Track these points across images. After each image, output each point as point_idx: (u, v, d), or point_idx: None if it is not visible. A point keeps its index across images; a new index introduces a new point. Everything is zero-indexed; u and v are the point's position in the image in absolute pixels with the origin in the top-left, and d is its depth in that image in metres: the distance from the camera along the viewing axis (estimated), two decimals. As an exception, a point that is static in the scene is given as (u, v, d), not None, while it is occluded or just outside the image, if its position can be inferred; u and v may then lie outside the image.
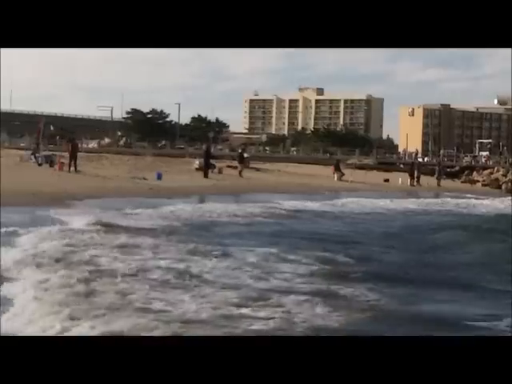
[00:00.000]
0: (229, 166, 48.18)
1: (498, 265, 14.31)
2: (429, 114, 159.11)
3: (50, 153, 42.90)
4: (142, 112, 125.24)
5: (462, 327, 8.55)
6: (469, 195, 41.97)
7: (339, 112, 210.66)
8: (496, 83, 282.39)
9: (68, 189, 26.66)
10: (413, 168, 53.49)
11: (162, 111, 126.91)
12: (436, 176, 55.19)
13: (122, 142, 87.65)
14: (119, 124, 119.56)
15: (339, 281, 11.15)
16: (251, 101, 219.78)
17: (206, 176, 40.59)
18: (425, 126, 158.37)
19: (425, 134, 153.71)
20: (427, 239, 18.92)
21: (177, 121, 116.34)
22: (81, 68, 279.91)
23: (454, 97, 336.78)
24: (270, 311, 8.63)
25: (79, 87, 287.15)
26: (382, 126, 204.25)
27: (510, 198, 41.26)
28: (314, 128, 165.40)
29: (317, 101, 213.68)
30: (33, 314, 7.86)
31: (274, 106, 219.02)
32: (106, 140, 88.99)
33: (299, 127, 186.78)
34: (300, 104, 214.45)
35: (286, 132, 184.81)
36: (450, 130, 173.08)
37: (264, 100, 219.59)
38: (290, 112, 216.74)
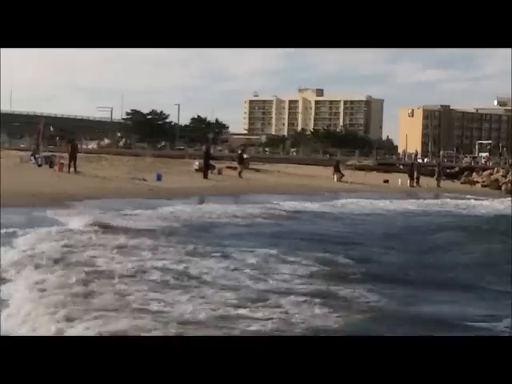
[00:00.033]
0: (228, 167, 48.18)
1: (497, 266, 14.31)
2: (428, 114, 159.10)
3: (50, 154, 42.90)
4: (141, 113, 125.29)
5: (461, 328, 8.55)
6: (468, 196, 41.94)
7: (339, 113, 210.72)
8: (496, 84, 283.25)
9: (68, 190, 26.66)
10: (412, 169, 53.48)
11: (161, 112, 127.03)
12: (436, 177, 55.19)
13: (121, 143, 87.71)
14: (119, 125, 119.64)
15: (339, 282, 11.15)
16: (251, 101, 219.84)
17: (205, 177, 40.59)
18: (424, 126, 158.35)
19: (424, 135, 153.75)
20: (427, 240, 18.92)
21: (176, 122, 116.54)
22: (81, 69, 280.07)
23: (453, 98, 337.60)
24: (269, 312, 8.62)
25: (79, 88, 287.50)
26: (381, 126, 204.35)
27: (509, 198, 41.25)
28: (313, 129, 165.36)
29: (316, 102, 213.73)
30: (28, 315, 7.84)
31: (274, 106, 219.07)
32: (106, 141, 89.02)
33: (299, 128, 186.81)
34: (300, 105, 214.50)
35: (285, 133, 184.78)
36: (449, 130, 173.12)
37: (264, 101, 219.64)
38: (289, 113, 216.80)
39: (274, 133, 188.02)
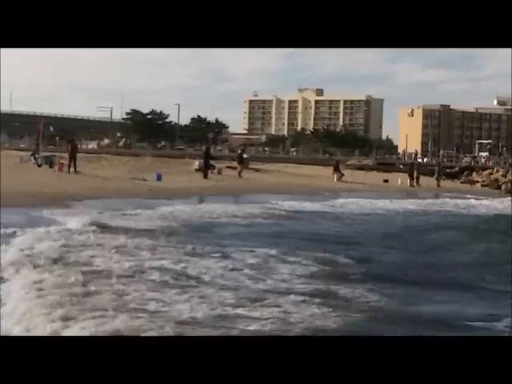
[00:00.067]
0: (228, 167, 48.19)
1: (496, 265, 14.31)
2: (428, 114, 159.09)
3: (50, 154, 42.91)
4: (141, 113, 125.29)
5: (460, 327, 8.55)
6: (468, 196, 41.95)
7: (339, 113, 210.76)
8: (496, 84, 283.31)
9: (68, 190, 26.66)
10: (412, 168, 53.50)
11: (161, 112, 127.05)
12: (435, 176, 55.21)
13: (121, 143, 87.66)
14: (119, 125, 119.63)
15: (339, 281, 11.15)
16: (251, 101, 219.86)
17: (205, 177, 40.60)
18: (424, 126, 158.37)
19: (424, 135, 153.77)
20: (427, 240, 18.91)
21: (176, 121, 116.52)
22: (81, 69, 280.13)
23: (453, 97, 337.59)
24: (268, 312, 8.62)
25: (79, 88, 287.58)
26: (381, 126, 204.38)
27: (509, 198, 41.25)
28: (313, 129, 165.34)
29: (316, 101, 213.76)
30: (23, 315, 7.84)
31: (274, 106, 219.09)
32: (106, 141, 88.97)
33: (299, 128, 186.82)
34: (299, 105, 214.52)
35: (285, 133, 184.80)
36: (449, 130, 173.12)
37: (263, 101, 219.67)
38: (289, 113, 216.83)
39: (273, 133, 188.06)
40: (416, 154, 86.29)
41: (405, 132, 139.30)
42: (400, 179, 51.77)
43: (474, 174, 63.01)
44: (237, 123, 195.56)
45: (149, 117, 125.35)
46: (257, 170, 50.80)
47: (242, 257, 13.16)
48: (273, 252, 13.86)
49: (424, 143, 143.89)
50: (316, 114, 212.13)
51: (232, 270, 11.69)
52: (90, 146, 77.24)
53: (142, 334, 6.96)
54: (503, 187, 55.62)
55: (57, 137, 73.64)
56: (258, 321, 8.14)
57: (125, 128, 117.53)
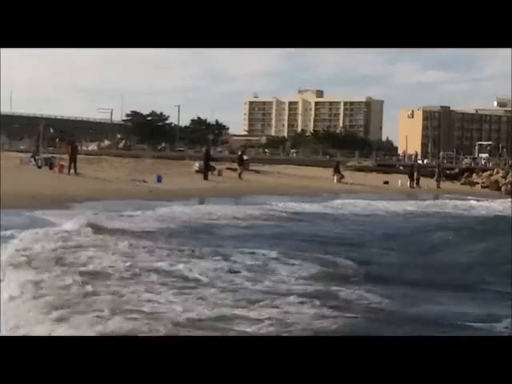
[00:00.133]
0: (228, 169, 48.20)
1: (496, 266, 14.33)
2: (428, 116, 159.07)
3: (50, 155, 42.94)
4: (141, 114, 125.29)
5: (461, 326, 8.56)
6: (468, 197, 41.94)
7: (339, 114, 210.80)
8: (496, 85, 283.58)
9: (68, 191, 26.66)
10: (412, 170, 53.54)
11: (161, 113, 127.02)
12: (435, 178, 55.28)
13: (121, 145, 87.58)
14: (119, 126, 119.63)
15: (339, 282, 11.14)
16: (251, 103, 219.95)
17: (205, 178, 40.61)
18: (424, 128, 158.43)
19: (424, 136, 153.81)
20: (426, 241, 18.90)
21: (176, 123, 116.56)
22: (80, 70, 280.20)
23: (453, 99, 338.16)
24: (267, 313, 8.61)
25: (79, 89, 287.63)
26: (381, 128, 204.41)
27: (509, 199, 41.24)
28: (313, 130, 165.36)
29: (316, 103, 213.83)
30: (15, 317, 7.84)
31: (274, 108, 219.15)
32: (106, 142, 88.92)
33: (299, 129, 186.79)
34: (299, 106, 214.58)
35: (285, 134, 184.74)
36: (449, 132, 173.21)
37: (264, 102, 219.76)
38: (289, 114, 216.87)
39: (273, 134, 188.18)
40: (416, 156, 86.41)
41: (405, 133, 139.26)
42: (400, 181, 51.81)
43: (474, 175, 63.06)
44: (237, 125, 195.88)
45: (149, 118, 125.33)
46: (257, 172, 50.80)
47: (242, 258, 13.15)
48: (273, 253, 13.86)
49: (424, 145, 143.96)
50: (316, 115, 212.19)
51: (231, 271, 11.69)
52: (90, 148, 77.19)
53: (143, 335, 6.97)
54: (503, 188, 55.64)
55: (57, 138, 73.76)
56: (257, 322, 8.14)
57: (125, 129, 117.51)
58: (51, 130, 76.97)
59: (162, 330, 7.38)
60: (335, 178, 49.38)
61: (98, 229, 15.64)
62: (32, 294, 8.88)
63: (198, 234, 17.06)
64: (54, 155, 43.18)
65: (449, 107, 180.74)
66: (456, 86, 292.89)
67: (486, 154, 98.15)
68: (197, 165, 45.69)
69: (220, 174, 44.63)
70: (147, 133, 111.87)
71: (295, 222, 22.07)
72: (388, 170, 64.17)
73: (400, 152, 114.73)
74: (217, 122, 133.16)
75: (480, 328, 8.52)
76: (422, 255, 15.95)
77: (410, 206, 33.13)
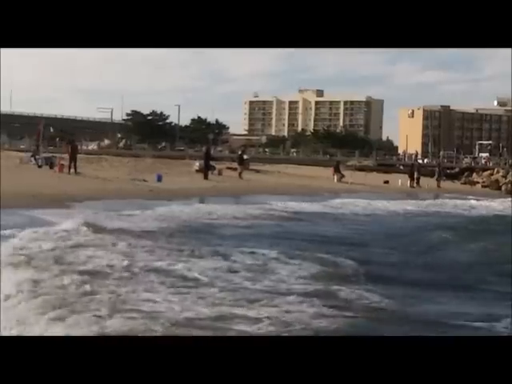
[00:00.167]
0: (228, 168, 48.18)
1: (495, 265, 14.37)
2: (429, 115, 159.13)
3: (50, 155, 42.92)
4: (141, 114, 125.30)
5: (461, 326, 8.56)
6: (469, 197, 41.93)
7: (339, 113, 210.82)
8: (496, 85, 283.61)
9: (68, 191, 26.66)
10: (412, 169, 53.52)
11: (161, 113, 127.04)
12: (436, 177, 55.25)
13: (121, 144, 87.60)
14: (119, 126, 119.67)
15: (338, 282, 11.14)
16: (251, 102, 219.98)
17: (205, 178, 40.60)
18: (424, 127, 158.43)
19: (424, 136, 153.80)
20: (426, 240, 18.91)
21: (177, 122, 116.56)
22: (81, 70, 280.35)
23: (453, 98, 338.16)
24: (267, 312, 8.61)
25: (79, 89, 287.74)
26: (381, 127, 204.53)
27: (509, 199, 41.23)
28: (313, 129, 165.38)
29: (316, 102, 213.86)
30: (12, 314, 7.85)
31: (274, 107, 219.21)
32: (106, 142, 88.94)
33: (299, 129, 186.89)
34: (300, 105, 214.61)
35: (285, 133, 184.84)
36: (449, 131, 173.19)
37: (264, 101, 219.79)
38: (289, 113, 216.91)
39: (274, 133, 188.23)
40: (416, 155, 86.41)
41: (405, 133, 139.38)
42: (400, 180, 51.80)
43: (475, 174, 63.04)
44: (237, 124, 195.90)
45: (149, 118, 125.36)
46: (257, 171, 50.77)
47: (241, 257, 13.15)
48: (273, 253, 13.86)
49: (424, 144, 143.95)
50: (316, 114, 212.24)
51: (231, 271, 11.69)
52: (90, 147, 77.21)
53: (143, 335, 6.97)
54: (503, 188, 55.63)
55: (57, 138, 73.76)
56: (256, 321, 8.14)
57: (125, 129, 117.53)
58: (51, 130, 76.93)
59: (159, 329, 7.39)
60: (335, 177, 49.35)
61: (97, 228, 15.64)
62: (29, 292, 8.89)
63: (198, 233, 17.06)
64: (54, 154, 43.17)
65: (449, 107, 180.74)
66: (456, 85, 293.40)
67: (487, 154, 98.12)
68: (197, 164, 45.68)
69: (220, 173, 44.62)
70: (147, 132, 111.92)
71: (295, 222, 22.07)
72: (388, 169, 64.17)
73: (400, 151, 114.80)
74: (217, 121, 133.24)
75: (480, 327, 8.53)
76: (421, 255, 15.95)
77: (410, 205, 33.11)
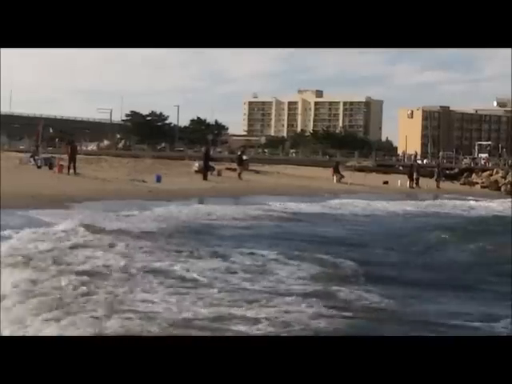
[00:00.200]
0: (228, 169, 48.19)
1: (494, 265, 14.38)
2: (428, 116, 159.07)
3: (50, 155, 42.92)
4: (141, 114, 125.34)
5: (462, 326, 8.57)
6: (468, 197, 41.93)
7: (338, 114, 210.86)
8: (495, 85, 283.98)
9: (67, 191, 26.65)
10: (412, 170, 53.58)
11: (161, 113, 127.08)
12: (435, 178, 55.30)
13: (121, 145, 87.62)
14: (118, 126, 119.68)
15: (338, 282, 11.13)
16: (250, 103, 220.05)
17: (205, 178, 40.60)
18: (424, 128, 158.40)
19: (424, 136, 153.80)
20: (425, 241, 18.90)
21: (176, 123, 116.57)
22: (80, 70, 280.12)
23: (453, 99, 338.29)
24: (265, 313, 8.60)
25: (78, 90, 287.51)
26: (381, 128, 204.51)
27: (509, 199, 41.24)
28: (313, 130, 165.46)
29: (316, 103, 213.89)
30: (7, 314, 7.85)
31: (273, 108, 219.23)
32: (106, 142, 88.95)
33: (298, 129, 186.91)
34: (299, 106, 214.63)
35: (285, 134, 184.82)
36: (449, 132, 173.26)
37: (263, 102, 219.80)
38: (289, 114, 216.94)
39: (273, 134, 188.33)
40: (415, 156, 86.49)
41: (404, 133, 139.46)
42: (400, 181, 51.83)
43: (474, 175, 63.08)
44: (236, 125, 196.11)
45: (148, 118, 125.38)
46: (256, 172, 50.78)
47: (241, 259, 13.14)
48: (272, 253, 13.85)
49: (423, 145, 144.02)
50: (315, 115, 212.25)
51: (231, 271, 11.68)
52: (89, 148, 77.25)
53: (142, 335, 6.96)
54: (503, 188, 55.66)
55: (56, 138, 73.80)
56: (255, 322, 8.13)
57: (124, 130, 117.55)
58: (51, 130, 77.05)
59: (157, 330, 7.39)
60: (335, 178, 49.36)
61: (95, 229, 15.63)
62: (26, 293, 8.88)
63: (197, 234, 17.06)
64: (53, 155, 43.16)
65: (448, 107, 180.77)
66: (456, 86, 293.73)
67: (486, 154, 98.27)
68: (196, 165, 45.67)
69: (219, 174, 44.62)
70: (147, 133, 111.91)
71: (294, 222, 22.07)
72: (387, 170, 64.22)
73: (399, 152, 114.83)
74: (216, 122, 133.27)
75: (479, 327, 8.54)
76: (421, 255, 15.96)
77: (409, 206, 33.12)
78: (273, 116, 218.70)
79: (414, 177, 52.36)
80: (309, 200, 31.02)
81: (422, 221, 25.88)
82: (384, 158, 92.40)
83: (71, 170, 36.78)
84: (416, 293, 11.04)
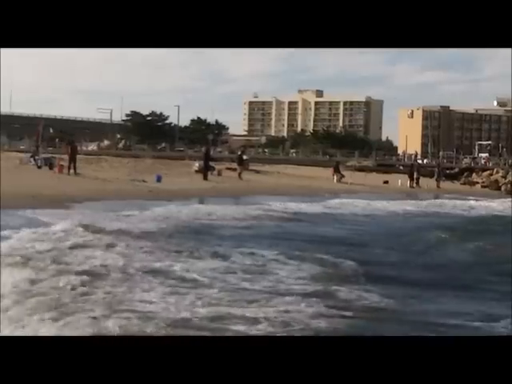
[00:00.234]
0: (228, 169, 48.19)
1: (494, 265, 14.39)
2: (428, 115, 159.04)
3: (50, 155, 42.91)
4: (141, 114, 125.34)
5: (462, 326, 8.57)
6: (468, 197, 41.92)
7: (338, 114, 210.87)
8: (495, 85, 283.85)
9: (68, 191, 26.65)
10: (412, 170, 53.57)
11: (161, 113, 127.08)
12: (435, 178, 55.30)
13: (121, 145, 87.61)
14: (119, 126, 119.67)
15: (338, 282, 11.14)
16: (250, 103, 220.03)
17: (205, 178, 40.59)
18: (424, 127, 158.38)
19: (424, 136, 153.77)
20: (425, 241, 18.91)
21: (176, 123, 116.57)
22: (80, 71, 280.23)
23: (453, 99, 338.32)
24: (266, 314, 8.60)
25: (79, 90, 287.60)
26: (381, 127, 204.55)
27: (509, 199, 41.23)
28: (313, 130, 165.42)
29: (316, 103, 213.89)
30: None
31: (274, 108, 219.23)
32: (106, 142, 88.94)
33: (298, 129, 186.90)
34: (299, 106, 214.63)
35: (285, 134, 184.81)
36: (449, 131, 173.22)
37: (263, 102, 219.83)
38: (289, 114, 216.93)
39: (273, 134, 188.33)
40: (416, 156, 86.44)
41: (404, 133, 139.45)
42: (400, 180, 51.83)
43: (474, 175, 63.07)
44: (237, 125, 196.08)
45: (148, 118, 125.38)
46: (257, 172, 50.78)
47: (241, 258, 13.15)
48: (272, 253, 13.86)
49: (424, 144, 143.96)
50: (316, 115, 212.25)
51: (231, 271, 11.69)
52: (89, 148, 77.23)
53: (142, 335, 6.97)
54: (503, 188, 55.65)
55: (56, 138, 73.78)
56: (254, 322, 8.14)
57: (125, 130, 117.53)
58: (51, 130, 77.06)
59: (156, 330, 7.39)
60: (335, 177, 49.36)
61: (95, 229, 15.63)
62: (25, 293, 8.89)
63: (197, 234, 17.06)
64: (53, 155, 43.16)
65: (448, 107, 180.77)
66: (456, 85, 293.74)
67: (486, 154, 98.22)
68: (196, 165, 45.67)
69: (220, 174, 44.62)
70: (147, 133, 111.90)
71: (295, 222, 22.07)
72: (388, 169, 64.20)
73: (400, 152, 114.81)
74: (216, 122, 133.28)
75: (479, 327, 8.55)
76: (421, 255, 15.97)
77: (409, 205, 33.11)
78: (273, 116, 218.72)
79: (415, 176, 52.36)
80: (309, 200, 31.02)
81: (422, 220, 25.88)
82: (384, 157, 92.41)
83: (71, 170, 36.77)
84: (416, 293, 11.05)
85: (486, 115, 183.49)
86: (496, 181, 58.38)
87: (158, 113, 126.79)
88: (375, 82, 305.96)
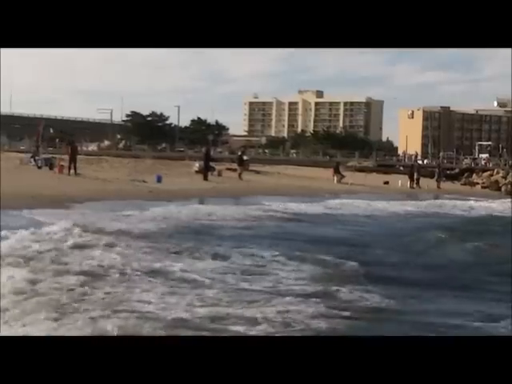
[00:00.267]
0: (228, 169, 48.19)
1: (493, 265, 14.40)
2: (428, 116, 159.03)
3: (50, 156, 42.91)
4: (141, 115, 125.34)
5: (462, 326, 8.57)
6: (468, 197, 41.92)
7: (339, 114, 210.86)
8: (496, 85, 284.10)
9: (68, 192, 26.64)
10: (412, 170, 53.58)
11: (161, 114, 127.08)
12: (436, 178, 55.32)
13: (121, 145, 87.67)
14: (119, 127, 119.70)
15: (338, 282, 11.13)
16: (251, 103, 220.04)
17: (205, 179, 40.59)
18: (424, 128, 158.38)
19: (424, 137, 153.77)
20: (425, 241, 18.90)
21: (176, 123, 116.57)
22: (80, 71, 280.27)
23: (453, 99, 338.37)
24: (266, 314, 8.60)
25: (79, 90, 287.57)
26: (381, 128, 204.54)
27: (509, 200, 41.23)
28: (313, 130, 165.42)
29: (316, 103, 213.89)
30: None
31: (274, 108, 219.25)
32: (106, 143, 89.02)
33: (299, 130, 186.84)
34: (300, 106, 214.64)
35: (285, 134, 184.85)
36: (449, 132, 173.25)
37: (264, 102, 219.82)
38: (289, 114, 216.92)
39: (273, 134, 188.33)
40: (416, 156, 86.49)
41: (405, 134, 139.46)
42: (400, 181, 51.83)
43: (474, 175, 63.08)
44: (237, 125, 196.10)
45: (149, 119, 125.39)
46: (257, 172, 50.78)
47: (241, 258, 13.15)
48: (272, 254, 13.85)
49: (424, 145, 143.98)
50: (316, 115, 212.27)
51: (231, 271, 11.69)
52: (90, 148, 77.28)
53: (142, 335, 6.96)
54: (503, 189, 55.64)
55: (57, 139, 73.80)
56: (255, 322, 8.14)
57: (125, 130, 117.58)
58: (51, 131, 77.02)
59: (155, 330, 7.39)
60: (335, 178, 49.37)
61: (95, 229, 15.63)
62: (24, 293, 8.88)
63: (197, 234, 17.05)
64: (53, 155, 43.17)
65: (449, 107, 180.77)
66: (456, 86, 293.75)
67: (486, 155, 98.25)
68: (197, 165, 45.67)
69: (220, 174, 44.62)
70: (147, 133, 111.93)
71: (295, 223, 22.06)
72: (388, 170, 64.25)
73: (400, 152, 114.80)
74: (217, 122, 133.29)
75: (479, 327, 8.54)
76: (420, 255, 15.96)
77: (409, 206, 33.11)
78: (273, 116, 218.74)
79: (415, 177, 52.37)
80: (309, 200, 31.01)
81: (423, 221, 25.88)
82: (384, 158, 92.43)
83: (72, 171, 36.77)
84: (416, 293, 11.05)
85: (486, 116, 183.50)
86: (496, 181, 58.38)
87: (159, 113, 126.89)
88: (375, 82, 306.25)
